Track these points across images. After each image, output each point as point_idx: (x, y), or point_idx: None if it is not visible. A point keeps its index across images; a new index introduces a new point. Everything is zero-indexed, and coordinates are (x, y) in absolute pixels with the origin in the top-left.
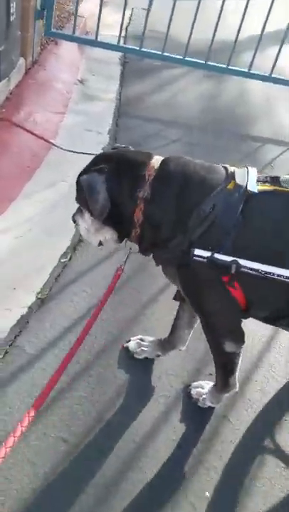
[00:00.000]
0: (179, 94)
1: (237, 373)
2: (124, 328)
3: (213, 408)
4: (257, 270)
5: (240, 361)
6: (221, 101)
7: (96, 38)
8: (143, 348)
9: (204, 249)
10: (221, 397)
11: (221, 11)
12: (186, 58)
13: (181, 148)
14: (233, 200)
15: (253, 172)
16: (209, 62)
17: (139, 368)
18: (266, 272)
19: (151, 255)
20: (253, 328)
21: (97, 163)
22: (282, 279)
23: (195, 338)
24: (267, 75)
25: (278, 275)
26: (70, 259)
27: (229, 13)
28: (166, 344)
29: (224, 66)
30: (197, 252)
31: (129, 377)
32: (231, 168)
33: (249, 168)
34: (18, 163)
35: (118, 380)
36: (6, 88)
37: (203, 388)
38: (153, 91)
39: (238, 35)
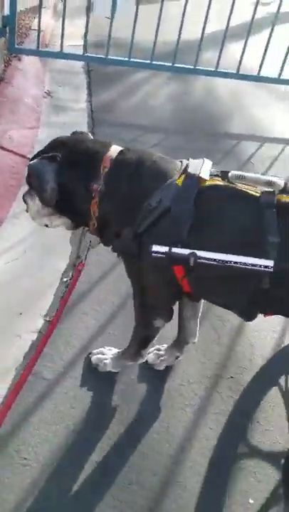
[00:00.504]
0: (149, 98)
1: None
2: None
3: (246, 414)
4: (214, 260)
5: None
6: (191, 101)
7: (61, 49)
8: (162, 358)
9: (156, 241)
10: (125, 364)
11: (184, 12)
12: (154, 62)
13: (162, 153)
14: (184, 192)
15: (207, 164)
16: (176, 64)
17: (160, 379)
18: (223, 261)
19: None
20: None
21: (51, 149)
22: (238, 265)
23: (212, 343)
24: (234, 72)
25: (235, 262)
26: (71, 277)
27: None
28: (179, 343)
29: (191, 67)
30: (155, 248)
31: (152, 391)
32: (185, 161)
33: (205, 160)
34: (0, 184)
35: (142, 396)
36: None
37: (103, 354)
38: (122, 97)
39: (202, 34)
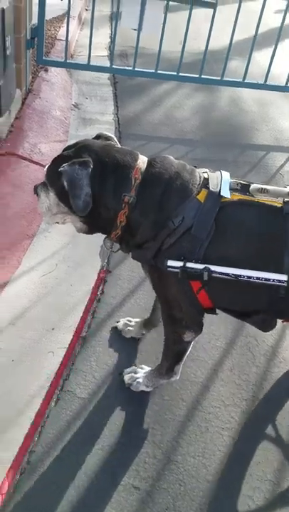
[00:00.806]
0: (175, 110)
1: (183, 361)
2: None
3: (287, 438)
4: (228, 274)
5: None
6: (217, 112)
7: (88, 62)
8: (130, 328)
9: (175, 258)
10: (158, 382)
11: (212, 23)
12: (180, 74)
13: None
14: (205, 210)
15: (226, 177)
16: (203, 76)
17: (195, 401)
18: (236, 275)
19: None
20: None
21: (80, 153)
22: (252, 280)
23: (247, 363)
24: (261, 82)
25: (248, 277)
26: (102, 292)
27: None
28: (149, 323)
29: (218, 79)
30: (170, 263)
31: (187, 412)
32: (205, 174)
33: (223, 173)
34: (33, 198)
35: (177, 417)
36: (7, 122)
37: (136, 373)
38: (148, 108)
39: (230, 44)
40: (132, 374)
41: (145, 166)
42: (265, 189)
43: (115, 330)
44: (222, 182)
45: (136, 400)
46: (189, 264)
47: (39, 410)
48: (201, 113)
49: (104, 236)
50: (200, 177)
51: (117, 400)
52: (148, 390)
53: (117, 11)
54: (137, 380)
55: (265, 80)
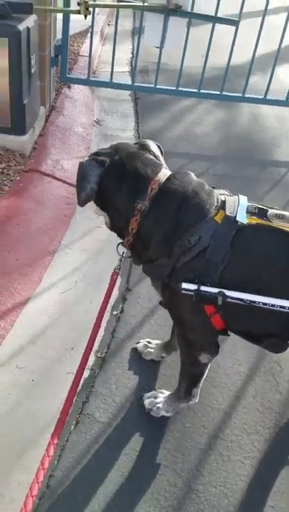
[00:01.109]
0: (195, 126)
1: (201, 385)
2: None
3: None
4: (242, 300)
5: (206, 373)
6: (237, 128)
7: (111, 79)
8: (149, 350)
9: (190, 279)
10: (178, 406)
11: (233, 41)
12: (202, 91)
13: (210, 181)
14: (222, 232)
15: (244, 202)
16: (224, 93)
17: (217, 428)
18: (251, 301)
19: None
20: None
21: (107, 153)
22: (267, 307)
23: (270, 390)
24: (283, 99)
25: (263, 303)
26: (121, 311)
27: (225, 35)
28: (168, 346)
29: (240, 95)
30: (184, 285)
31: (209, 441)
32: (222, 196)
33: (240, 197)
34: (54, 214)
35: (198, 445)
36: (31, 139)
37: (156, 398)
38: (169, 124)
39: (252, 61)
40: (152, 399)
41: (164, 180)
42: (282, 215)
43: (135, 351)
44: (239, 206)
45: (156, 426)
46: (204, 288)
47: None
48: (221, 129)
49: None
50: (217, 199)
51: (137, 425)
52: (168, 415)
53: (140, 27)
54: (157, 405)
55: (288, 98)
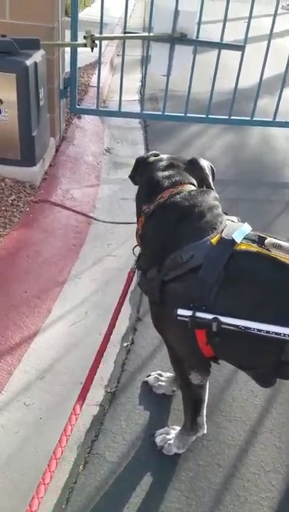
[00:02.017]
0: (205, 150)
1: (204, 412)
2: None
3: None
4: (237, 326)
5: (206, 397)
6: (247, 151)
7: (119, 108)
8: (160, 383)
9: (181, 299)
10: (188, 440)
11: (240, 66)
12: (210, 116)
13: (223, 205)
14: (215, 253)
15: (246, 228)
16: (233, 117)
17: (232, 466)
18: (246, 328)
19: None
20: None
21: (158, 159)
22: (262, 333)
23: (286, 425)
24: None
25: (258, 330)
26: (132, 342)
27: (231, 59)
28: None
29: (248, 119)
30: (180, 311)
31: (224, 481)
32: (226, 221)
33: (245, 224)
34: (64, 243)
35: (212, 485)
36: (41, 170)
37: (168, 434)
38: (178, 150)
39: (260, 83)
40: (164, 435)
41: (181, 192)
42: (279, 244)
43: (146, 384)
44: (238, 230)
45: (169, 465)
46: (199, 314)
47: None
48: (231, 152)
49: (135, 283)
50: (221, 223)
51: (148, 464)
52: (180, 451)
53: (146, 56)
54: (169, 441)
55: None
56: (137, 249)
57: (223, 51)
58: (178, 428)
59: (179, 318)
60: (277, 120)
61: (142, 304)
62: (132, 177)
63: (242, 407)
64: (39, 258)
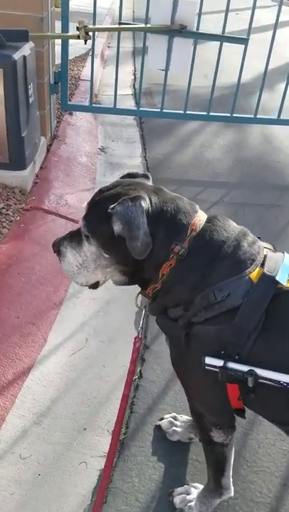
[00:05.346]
0: (205, 150)
1: (231, 473)
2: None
3: None
4: (278, 382)
5: (232, 456)
6: (249, 151)
7: (114, 105)
8: (175, 429)
9: (212, 344)
10: (212, 503)
11: (243, 60)
12: (211, 113)
13: (227, 210)
14: (257, 293)
15: (288, 261)
16: (235, 115)
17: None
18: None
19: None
20: None
21: (131, 189)
22: None
23: None
24: None
25: None
26: (140, 375)
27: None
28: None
29: (251, 116)
30: (208, 360)
31: None
32: (265, 250)
33: (286, 255)
34: None
35: None
36: (32, 173)
37: (189, 494)
38: (177, 150)
39: (263, 81)
40: (184, 495)
41: (204, 220)
42: None
43: (158, 429)
44: (282, 265)
45: None
46: (232, 365)
47: None
48: (232, 152)
49: (137, 302)
50: (259, 252)
51: None
52: None
53: (142, 48)
54: (190, 503)
55: None
56: (140, 300)
57: (216, 44)
58: (200, 486)
59: (207, 367)
60: (282, 118)
61: (149, 328)
62: (147, 244)
63: (269, 454)
64: (32, 276)
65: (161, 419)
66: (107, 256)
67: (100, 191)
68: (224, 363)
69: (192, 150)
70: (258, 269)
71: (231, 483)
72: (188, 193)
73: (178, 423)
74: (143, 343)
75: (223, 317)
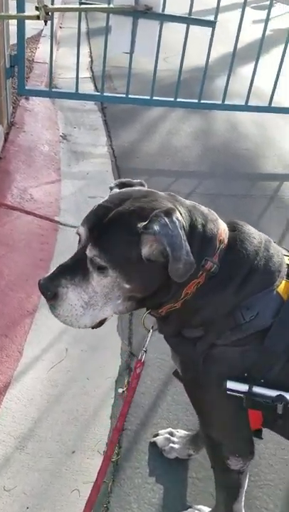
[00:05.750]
0: (172, 137)
1: (243, 499)
2: None
3: None
4: None
5: (246, 481)
6: (217, 138)
7: (76, 90)
8: (172, 446)
9: (236, 368)
10: None
11: (210, 44)
12: (178, 100)
13: (202, 202)
14: (287, 311)
15: None
16: (203, 101)
17: None
18: None
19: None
20: None
21: (152, 200)
22: None
23: None
24: (266, 105)
25: None
26: (128, 386)
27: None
28: (197, 439)
29: (220, 103)
30: (230, 385)
31: None
32: (286, 259)
33: None
34: (29, 259)
35: None
36: None
37: None
38: (143, 137)
39: (231, 66)
40: None
41: (226, 228)
42: None
43: (153, 446)
44: None
45: None
46: (258, 389)
47: None
48: (199, 140)
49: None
50: (282, 264)
51: None
52: None
53: (106, 29)
54: None
55: (270, 103)
56: (148, 322)
57: (179, 29)
58: (205, 509)
59: (228, 392)
60: (249, 104)
61: (134, 334)
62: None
63: (271, 465)
64: (1, 282)
65: (156, 435)
66: (127, 286)
67: (106, 208)
68: (249, 388)
69: (159, 137)
70: (284, 281)
71: (243, 508)
72: (161, 184)
73: (175, 439)
74: (129, 350)
75: (251, 338)
